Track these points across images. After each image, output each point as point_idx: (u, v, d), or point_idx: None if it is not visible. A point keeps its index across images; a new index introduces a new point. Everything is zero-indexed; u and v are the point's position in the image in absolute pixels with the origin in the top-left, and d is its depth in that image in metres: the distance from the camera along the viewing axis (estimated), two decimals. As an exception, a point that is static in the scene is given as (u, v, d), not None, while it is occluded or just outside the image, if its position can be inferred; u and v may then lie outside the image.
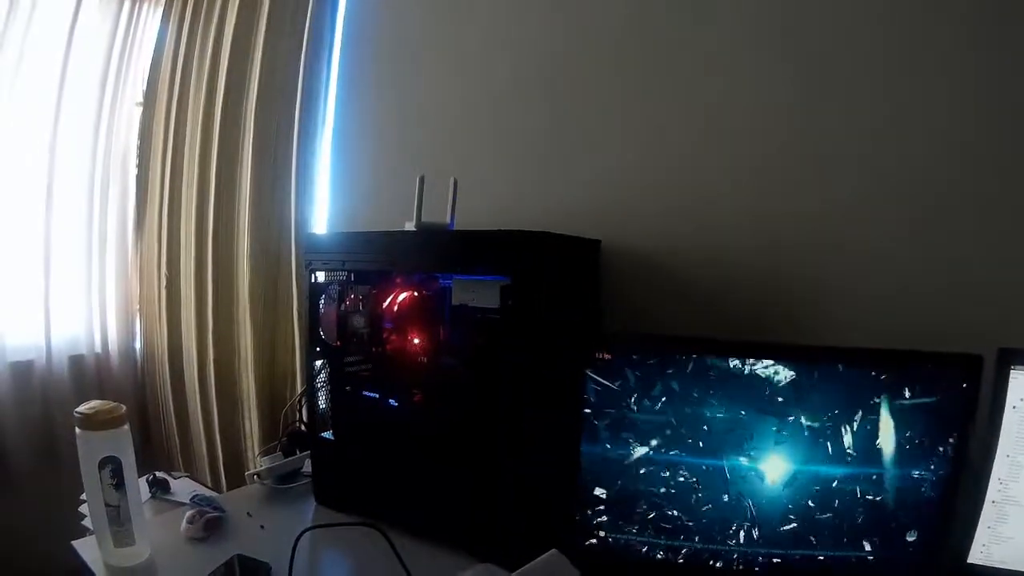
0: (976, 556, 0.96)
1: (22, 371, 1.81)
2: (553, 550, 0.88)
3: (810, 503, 0.95)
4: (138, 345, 2.11)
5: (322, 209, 1.61)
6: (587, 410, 0.96)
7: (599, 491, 0.98)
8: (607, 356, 0.95)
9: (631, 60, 1.23)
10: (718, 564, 0.97)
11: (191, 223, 1.83)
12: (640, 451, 0.95)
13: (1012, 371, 0.92)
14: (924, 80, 1.03)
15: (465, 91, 1.43)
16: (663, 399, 0.94)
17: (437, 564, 0.99)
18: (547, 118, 1.32)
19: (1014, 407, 0.92)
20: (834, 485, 0.94)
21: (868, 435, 0.93)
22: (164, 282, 1.93)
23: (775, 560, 0.96)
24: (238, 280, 1.73)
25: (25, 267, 1.83)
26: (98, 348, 2.01)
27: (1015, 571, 0.96)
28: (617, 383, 0.95)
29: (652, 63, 1.21)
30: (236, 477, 1.79)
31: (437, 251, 1.04)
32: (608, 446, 0.96)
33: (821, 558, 0.96)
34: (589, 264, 1.13)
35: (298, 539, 0.96)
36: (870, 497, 0.95)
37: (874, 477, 0.94)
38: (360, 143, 1.58)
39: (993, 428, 0.93)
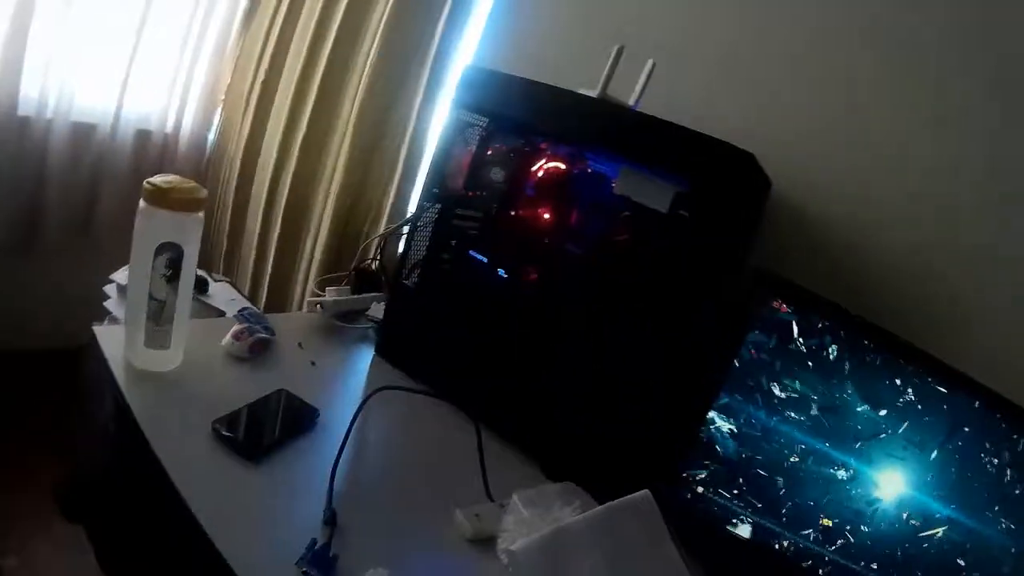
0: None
1: (83, 133, 1.68)
2: (646, 491, 0.77)
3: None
4: (211, 136, 1.98)
5: (471, 42, 1.42)
6: (735, 361, 0.82)
7: (719, 448, 0.85)
8: (784, 308, 0.80)
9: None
10: (807, 563, 0.85)
11: (309, 27, 1.65)
12: (777, 421, 0.82)
13: None
14: None
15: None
16: (824, 376, 0.80)
17: (509, 468, 0.88)
18: (782, 34, 1.10)
19: None
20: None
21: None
22: (261, 77, 1.77)
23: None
24: (345, 95, 1.56)
25: (116, 30, 1.66)
26: (168, 128, 1.88)
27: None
28: (781, 342, 0.81)
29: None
30: (278, 298, 1.69)
31: (616, 129, 0.88)
32: (745, 405, 0.83)
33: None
34: (761, 202, 0.96)
35: (368, 397, 0.86)
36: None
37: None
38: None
39: None
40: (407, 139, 1.47)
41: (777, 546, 0.83)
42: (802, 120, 1.04)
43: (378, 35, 1.49)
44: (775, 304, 0.80)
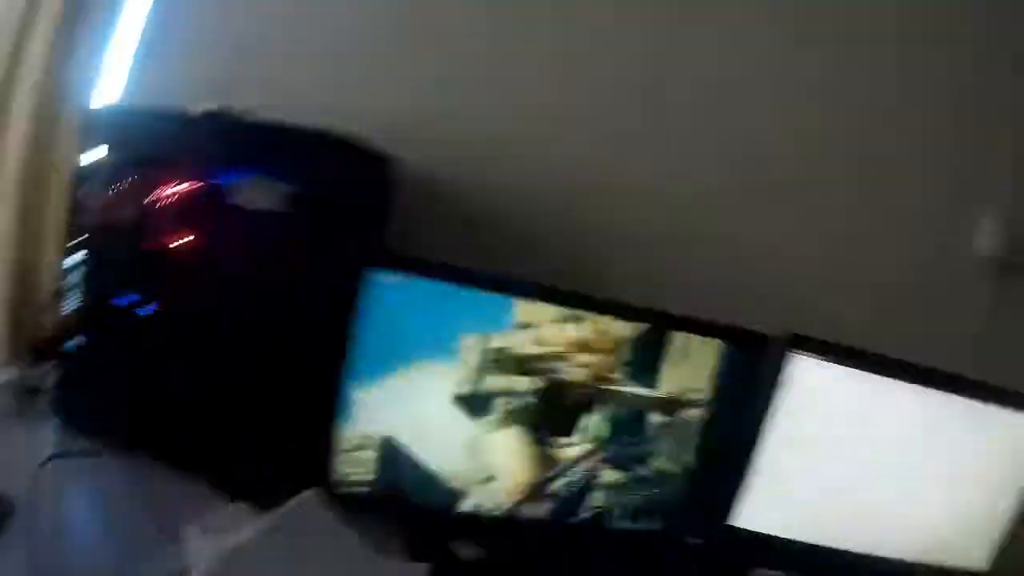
0: (740, 520, 1.03)
1: None
2: (310, 491, 0.80)
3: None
4: None
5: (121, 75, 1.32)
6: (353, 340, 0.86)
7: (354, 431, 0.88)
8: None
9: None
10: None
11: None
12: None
13: (794, 354, 0.97)
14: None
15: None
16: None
17: (188, 499, 0.86)
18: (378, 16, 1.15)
19: (789, 386, 0.98)
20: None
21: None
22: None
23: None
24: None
25: None
26: None
27: (775, 536, 1.05)
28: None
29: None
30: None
31: (223, 141, 0.89)
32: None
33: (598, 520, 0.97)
34: (385, 182, 1.02)
35: (42, 467, 0.82)
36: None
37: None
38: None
39: (769, 405, 0.98)
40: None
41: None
42: (423, 95, 1.10)
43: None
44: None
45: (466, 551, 0.92)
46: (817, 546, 1.05)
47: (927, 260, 1.27)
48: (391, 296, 0.83)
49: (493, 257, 1.00)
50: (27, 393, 1.07)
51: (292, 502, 0.79)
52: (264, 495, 0.81)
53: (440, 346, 0.86)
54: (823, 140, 1.22)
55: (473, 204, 1.08)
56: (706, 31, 1.14)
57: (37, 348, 1.12)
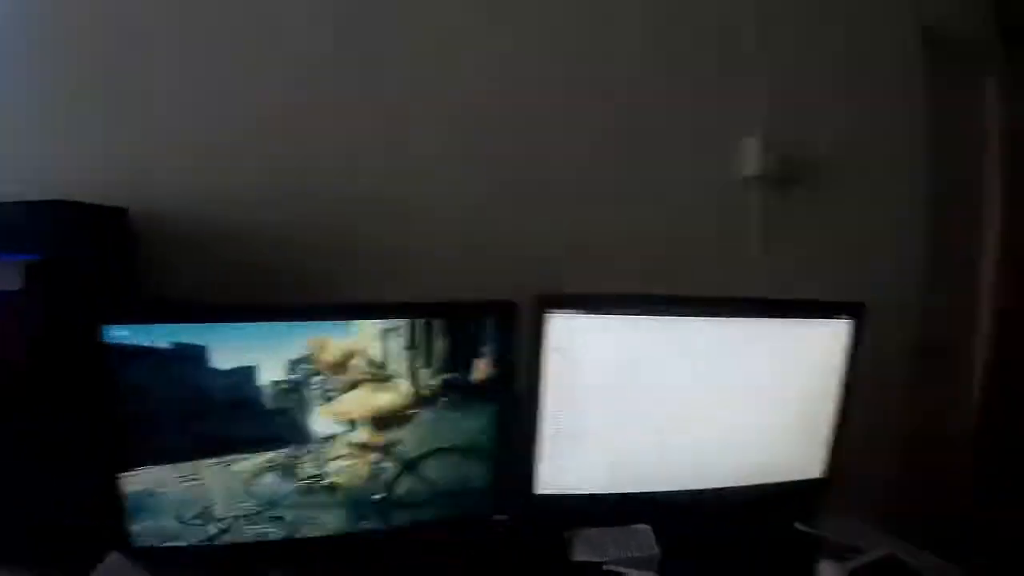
0: (544, 486, 1.04)
1: None
2: (113, 553, 0.79)
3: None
4: None
5: None
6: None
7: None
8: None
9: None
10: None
11: None
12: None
13: (547, 315, 0.99)
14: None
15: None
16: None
17: None
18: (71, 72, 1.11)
19: (556, 348, 1.00)
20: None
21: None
22: None
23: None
24: None
25: None
26: None
27: (584, 494, 1.06)
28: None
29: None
30: None
31: None
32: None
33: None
34: (120, 234, 1.01)
35: None
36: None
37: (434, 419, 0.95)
38: None
39: (537, 369, 1.00)
40: None
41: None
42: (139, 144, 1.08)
43: None
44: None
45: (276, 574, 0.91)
46: (635, 494, 1.07)
47: (698, 184, 1.31)
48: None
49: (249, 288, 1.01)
50: None
51: (98, 569, 0.78)
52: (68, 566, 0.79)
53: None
54: (572, 91, 1.24)
55: (211, 241, 1.07)
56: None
57: None
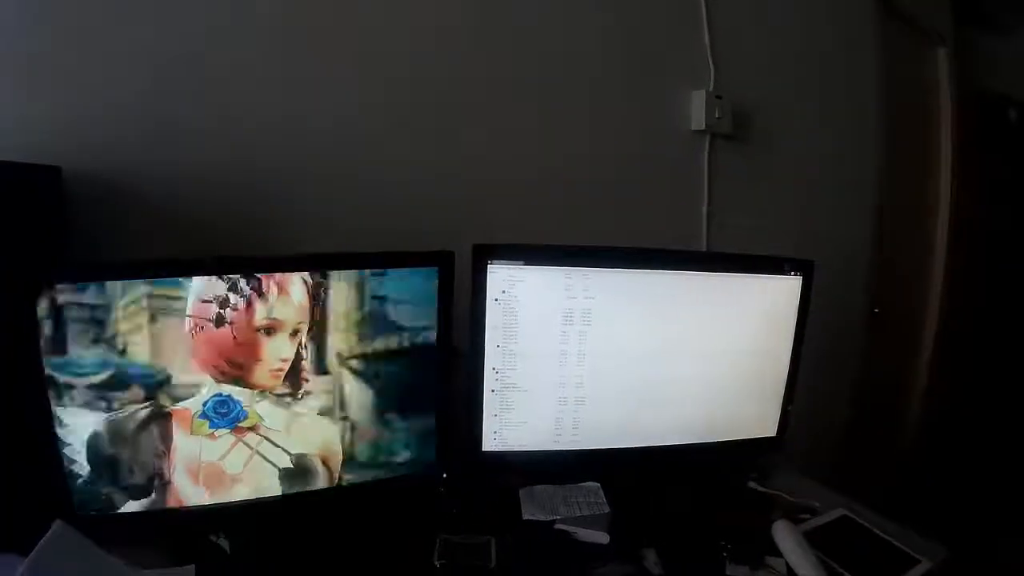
0: (490, 443, 1.01)
1: None
2: (56, 522, 0.73)
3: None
4: None
5: None
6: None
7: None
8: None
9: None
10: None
11: None
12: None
13: (489, 265, 0.95)
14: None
15: None
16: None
17: None
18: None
19: (496, 299, 0.96)
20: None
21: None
22: None
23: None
24: None
25: None
26: None
27: (530, 451, 1.03)
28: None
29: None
30: None
31: None
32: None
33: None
34: (50, 194, 0.94)
35: None
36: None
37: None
38: None
39: (478, 321, 0.96)
40: None
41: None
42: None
43: None
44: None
45: (224, 541, 0.87)
46: (579, 451, 1.04)
47: (643, 140, 1.29)
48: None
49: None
50: None
51: (43, 541, 0.71)
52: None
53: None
54: (521, 39, 1.19)
55: (151, 195, 1.01)
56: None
57: None
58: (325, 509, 0.93)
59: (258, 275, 0.82)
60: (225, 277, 0.81)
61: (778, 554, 0.89)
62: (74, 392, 0.79)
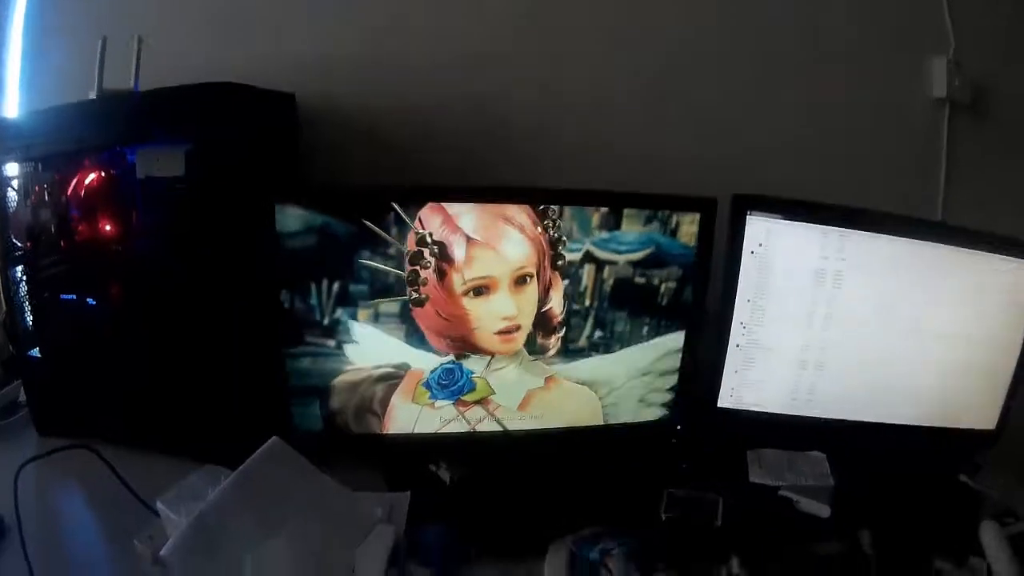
0: (726, 400, 1.00)
1: None
2: (274, 438, 0.79)
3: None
4: None
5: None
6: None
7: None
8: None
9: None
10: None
11: None
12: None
13: (748, 217, 0.93)
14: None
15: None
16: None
17: (159, 474, 0.85)
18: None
19: (752, 252, 0.94)
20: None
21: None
22: None
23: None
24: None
25: None
26: None
27: (764, 412, 1.01)
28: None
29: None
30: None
31: (118, 119, 0.89)
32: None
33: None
34: (285, 120, 1.00)
35: (16, 478, 0.78)
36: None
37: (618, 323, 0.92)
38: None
39: (732, 273, 0.95)
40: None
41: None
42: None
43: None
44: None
45: (445, 473, 0.90)
46: (810, 418, 1.01)
47: (881, 106, 1.22)
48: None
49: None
50: (3, 411, 1.07)
51: (257, 453, 0.78)
52: (231, 453, 0.80)
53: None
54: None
55: (385, 127, 1.06)
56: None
57: (3, 367, 1.12)
58: (551, 448, 0.94)
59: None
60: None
61: (982, 554, 0.82)
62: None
